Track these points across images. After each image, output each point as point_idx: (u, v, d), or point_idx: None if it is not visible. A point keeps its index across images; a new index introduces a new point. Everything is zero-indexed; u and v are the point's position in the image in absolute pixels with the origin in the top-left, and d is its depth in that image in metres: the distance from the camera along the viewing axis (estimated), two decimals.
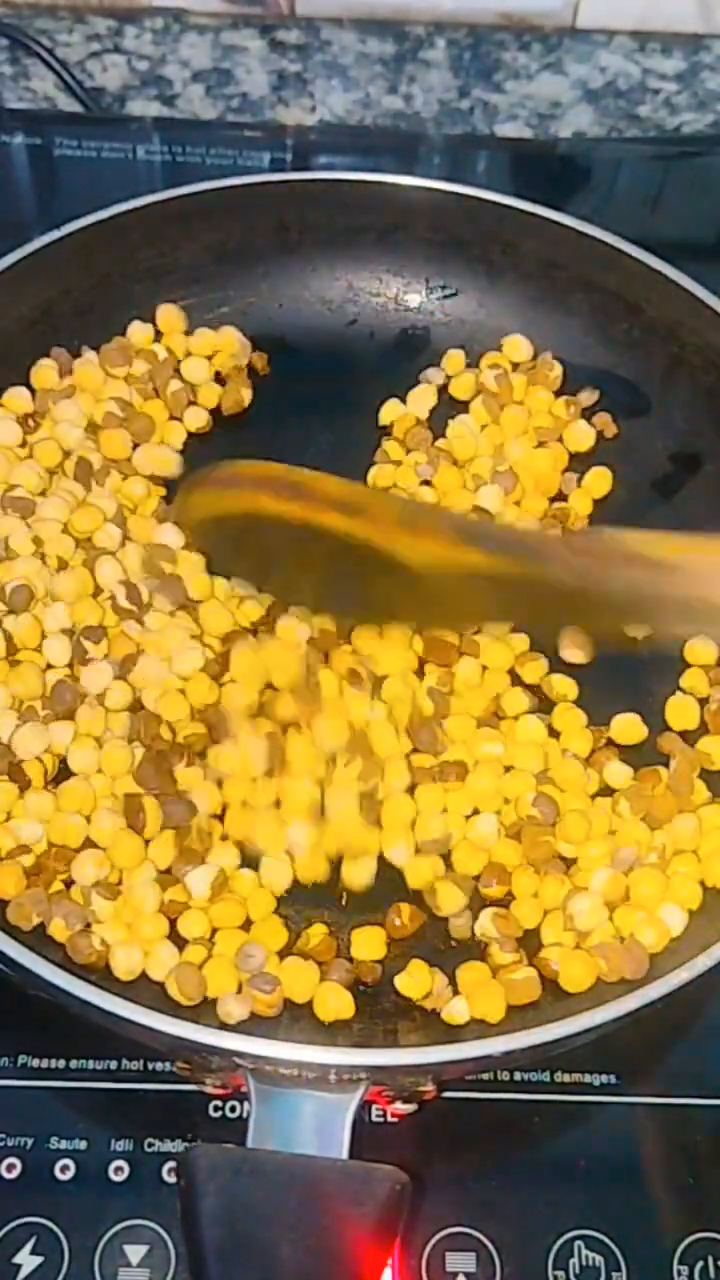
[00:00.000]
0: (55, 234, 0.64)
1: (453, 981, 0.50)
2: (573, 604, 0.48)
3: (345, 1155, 0.43)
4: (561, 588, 0.47)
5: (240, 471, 0.50)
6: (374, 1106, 0.51)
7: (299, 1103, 0.44)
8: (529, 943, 0.51)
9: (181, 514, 0.55)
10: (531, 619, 0.54)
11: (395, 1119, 0.51)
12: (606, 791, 0.55)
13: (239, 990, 0.48)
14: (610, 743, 0.57)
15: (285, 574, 0.53)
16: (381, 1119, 0.51)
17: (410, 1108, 0.51)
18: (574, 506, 0.64)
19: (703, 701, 0.58)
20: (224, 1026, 0.47)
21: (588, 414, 0.67)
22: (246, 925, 0.51)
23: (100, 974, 0.49)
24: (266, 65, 0.88)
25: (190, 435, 0.66)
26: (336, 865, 0.53)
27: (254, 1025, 0.48)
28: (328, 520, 0.47)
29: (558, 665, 0.59)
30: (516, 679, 0.58)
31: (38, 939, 0.49)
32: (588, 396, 0.68)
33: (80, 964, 0.48)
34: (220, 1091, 0.51)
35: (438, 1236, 0.49)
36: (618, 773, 0.56)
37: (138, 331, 0.67)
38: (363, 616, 0.55)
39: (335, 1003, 0.49)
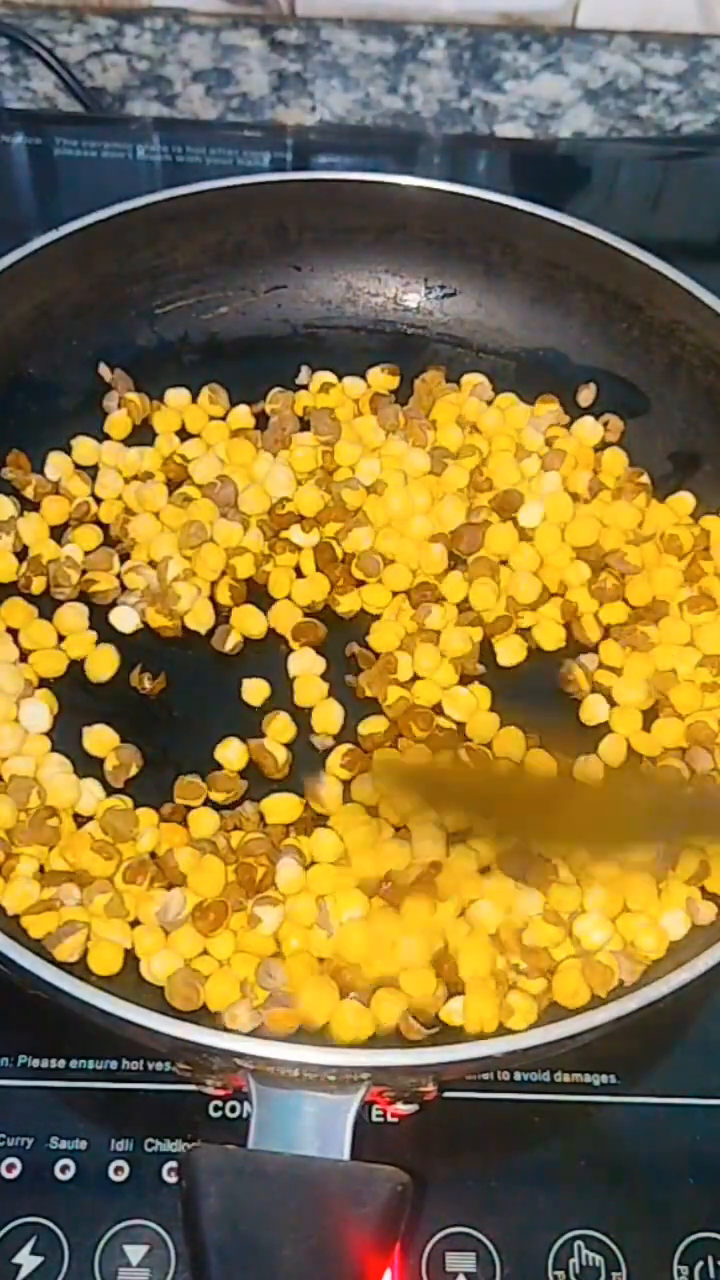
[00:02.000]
0: (53, 234, 0.64)
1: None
2: None
3: (347, 1156, 0.43)
4: None
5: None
6: (374, 1107, 0.51)
7: (300, 1104, 0.44)
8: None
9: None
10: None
11: (395, 1119, 0.51)
12: None
13: (241, 997, 0.48)
14: None
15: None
16: (382, 1119, 0.51)
17: (411, 1108, 0.51)
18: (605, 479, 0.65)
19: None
20: (225, 1028, 0.47)
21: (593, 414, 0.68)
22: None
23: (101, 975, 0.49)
24: (266, 65, 0.88)
25: None
26: None
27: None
28: None
29: None
30: None
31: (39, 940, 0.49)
32: (586, 395, 0.68)
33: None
34: (221, 1092, 0.51)
35: (438, 1236, 0.49)
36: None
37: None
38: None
39: (354, 1023, 0.48)
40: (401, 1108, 0.51)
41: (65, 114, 0.87)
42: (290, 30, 0.86)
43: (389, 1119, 0.51)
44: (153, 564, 0.61)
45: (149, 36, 0.87)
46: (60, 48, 0.86)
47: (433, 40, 0.86)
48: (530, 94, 0.89)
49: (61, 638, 0.59)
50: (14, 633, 0.59)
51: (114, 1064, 0.52)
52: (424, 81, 0.88)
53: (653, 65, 0.88)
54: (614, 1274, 0.48)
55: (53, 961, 0.46)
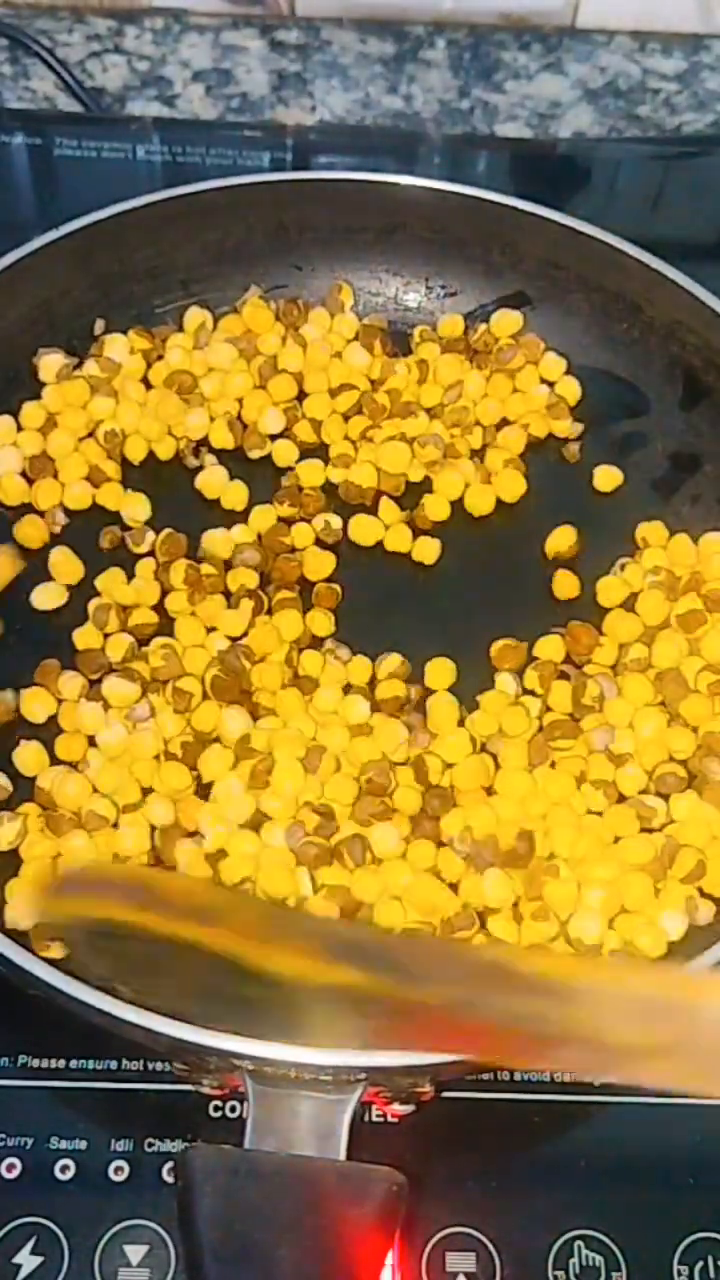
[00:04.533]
0: (53, 234, 0.64)
1: None
2: (455, 1033, 0.40)
3: (343, 1156, 0.43)
4: (440, 1013, 0.39)
5: (86, 875, 0.46)
6: (373, 1107, 0.51)
7: (297, 1104, 0.44)
8: None
9: (35, 919, 0.51)
10: (415, 1045, 0.45)
11: (394, 1119, 0.51)
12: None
13: None
14: None
15: (152, 979, 0.44)
16: (381, 1119, 0.51)
17: (408, 1109, 0.51)
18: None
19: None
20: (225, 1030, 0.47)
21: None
22: None
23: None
24: (266, 65, 0.88)
25: None
26: None
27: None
28: (182, 931, 0.41)
29: None
30: None
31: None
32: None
33: None
34: (218, 1092, 0.51)
35: (438, 1236, 0.49)
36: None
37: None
38: (237, 1026, 0.44)
39: None
40: (399, 1108, 0.50)
41: (65, 114, 0.87)
42: (290, 30, 0.86)
43: (388, 1119, 0.51)
44: None
45: (149, 36, 0.87)
46: (60, 48, 0.86)
47: (433, 40, 0.86)
48: (530, 94, 0.89)
49: None
50: None
51: (114, 1064, 0.52)
52: (424, 81, 0.88)
53: (653, 65, 0.88)
54: (614, 1274, 0.48)
55: (51, 962, 0.46)
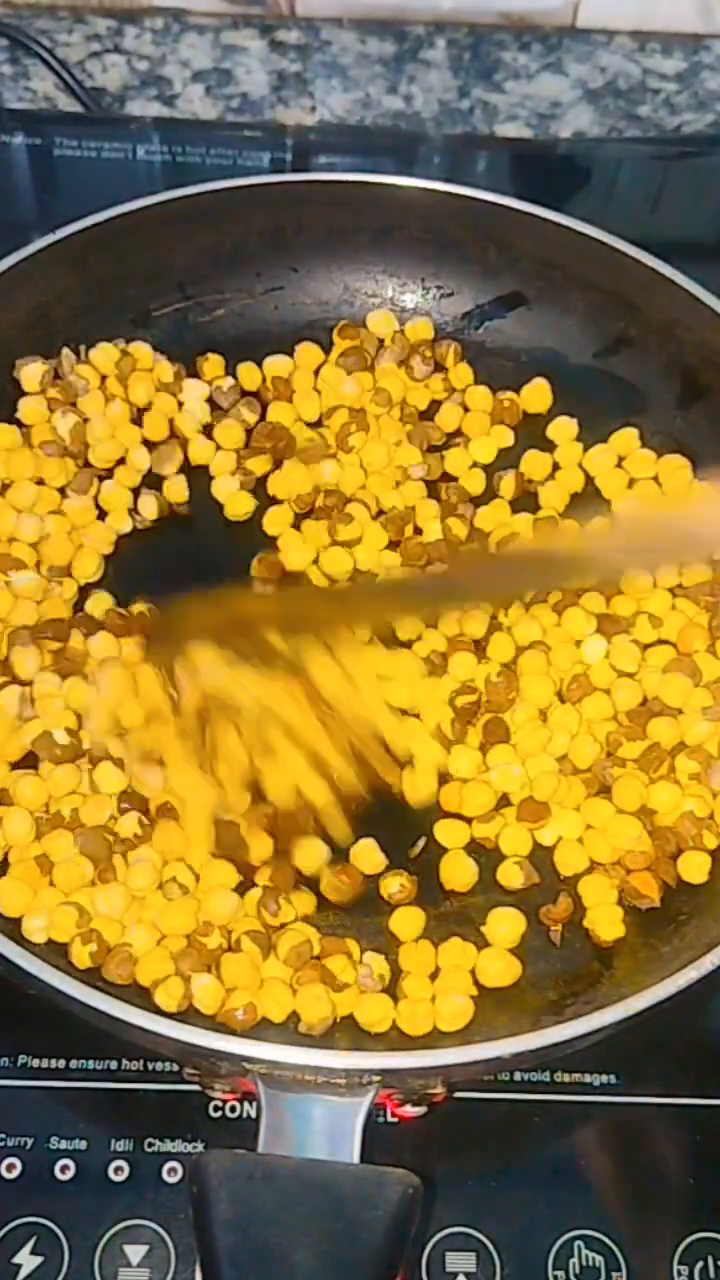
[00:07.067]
0: (50, 238, 0.64)
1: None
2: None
3: (356, 1159, 0.43)
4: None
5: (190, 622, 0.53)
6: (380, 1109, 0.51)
7: (309, 1107, 0.44)
8: None
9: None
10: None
11: (395, 1120, 0.51)
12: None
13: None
14: None
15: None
16: (381, 1120, 0.51)
17: (420, 1110, 0.51)
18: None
19: None
20: (235, 1031, 0.47)
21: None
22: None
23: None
24: (266, 65, 0.88)
25: None
26: None
27: (264, 1031, 0.48)
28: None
29: None
30: None
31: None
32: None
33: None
34: (230, 1096, 0.51)
35: (438, 1236, 0.49)
36: None
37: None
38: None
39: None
40: (410, 1110, 0.50)
41: (65, 114, 0.87)
42: (290, 30, 0.86)
43: (388, 1118, 0.51)
44: None
45: (149, 36, 0.87)
46: (60, 48, 0.86)
47: (433, 40, 0.86)
48: (530, 94, 0.89)
49: None
50: None
51: (114, 1064, 0.52)
52: (424, 81, 0.88)
53: (653, 65, 0.88)
54: (614, 1274, 0.48)
55: (58, 967, 0.46)
